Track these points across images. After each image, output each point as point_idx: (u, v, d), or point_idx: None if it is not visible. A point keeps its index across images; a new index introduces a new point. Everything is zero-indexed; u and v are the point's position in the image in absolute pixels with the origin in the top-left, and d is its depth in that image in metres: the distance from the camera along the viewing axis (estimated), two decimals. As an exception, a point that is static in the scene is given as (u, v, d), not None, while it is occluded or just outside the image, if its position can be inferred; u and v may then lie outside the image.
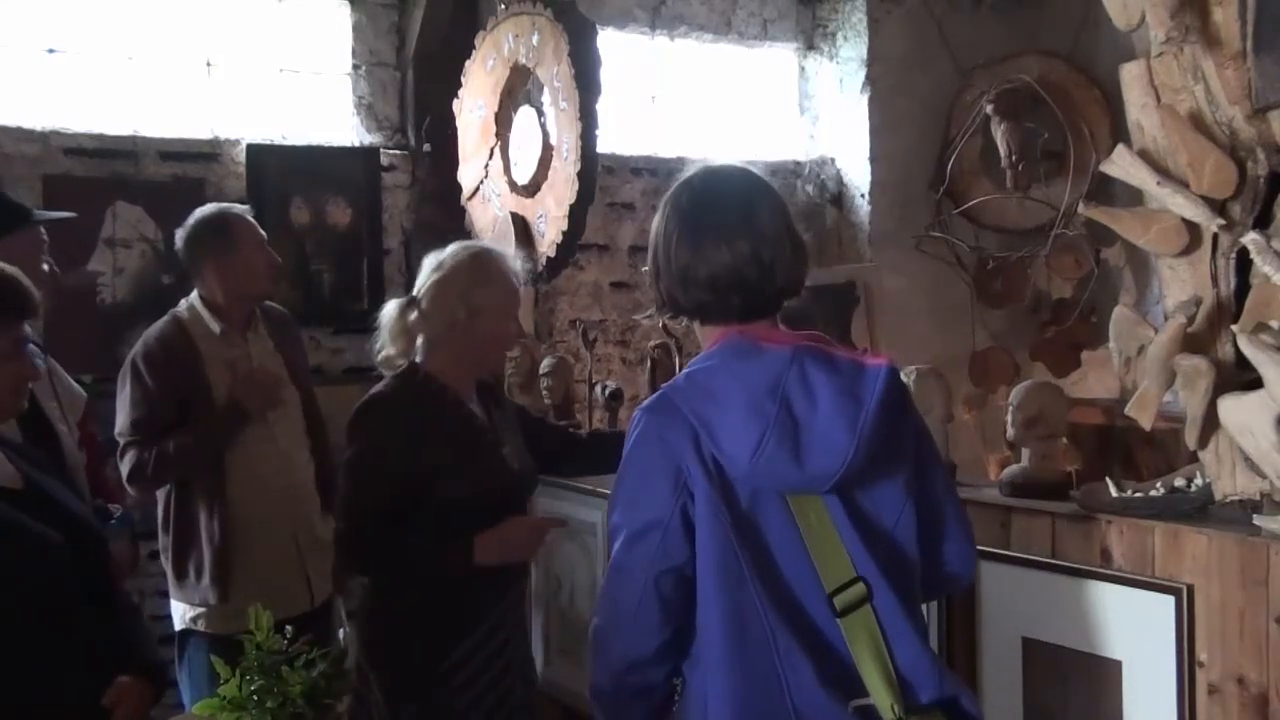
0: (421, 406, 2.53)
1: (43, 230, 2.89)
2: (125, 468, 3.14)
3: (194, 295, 3.32)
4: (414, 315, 2.57)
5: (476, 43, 4.28)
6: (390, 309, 2.61)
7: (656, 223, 1.90)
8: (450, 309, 2.55)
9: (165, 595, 3.36)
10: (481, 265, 2.59)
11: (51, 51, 4.37)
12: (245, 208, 3.41)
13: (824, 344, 1.83)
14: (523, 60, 3.99)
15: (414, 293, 2.61)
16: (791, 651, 1.71)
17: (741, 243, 1.81)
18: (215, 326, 3.26)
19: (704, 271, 1.82)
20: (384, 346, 2.61)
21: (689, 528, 1.75)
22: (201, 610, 3.19)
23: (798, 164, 5.67)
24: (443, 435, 2.51)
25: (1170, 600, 2.15)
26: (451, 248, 2.63)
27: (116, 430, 3.17)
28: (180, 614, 3.25)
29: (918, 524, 1.81)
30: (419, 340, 2.59)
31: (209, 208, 3.37)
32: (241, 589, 3.11)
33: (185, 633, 3.24)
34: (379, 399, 2.55)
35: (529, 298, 4.72)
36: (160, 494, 3.24)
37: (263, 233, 3.37)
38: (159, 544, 3.27)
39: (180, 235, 3.30)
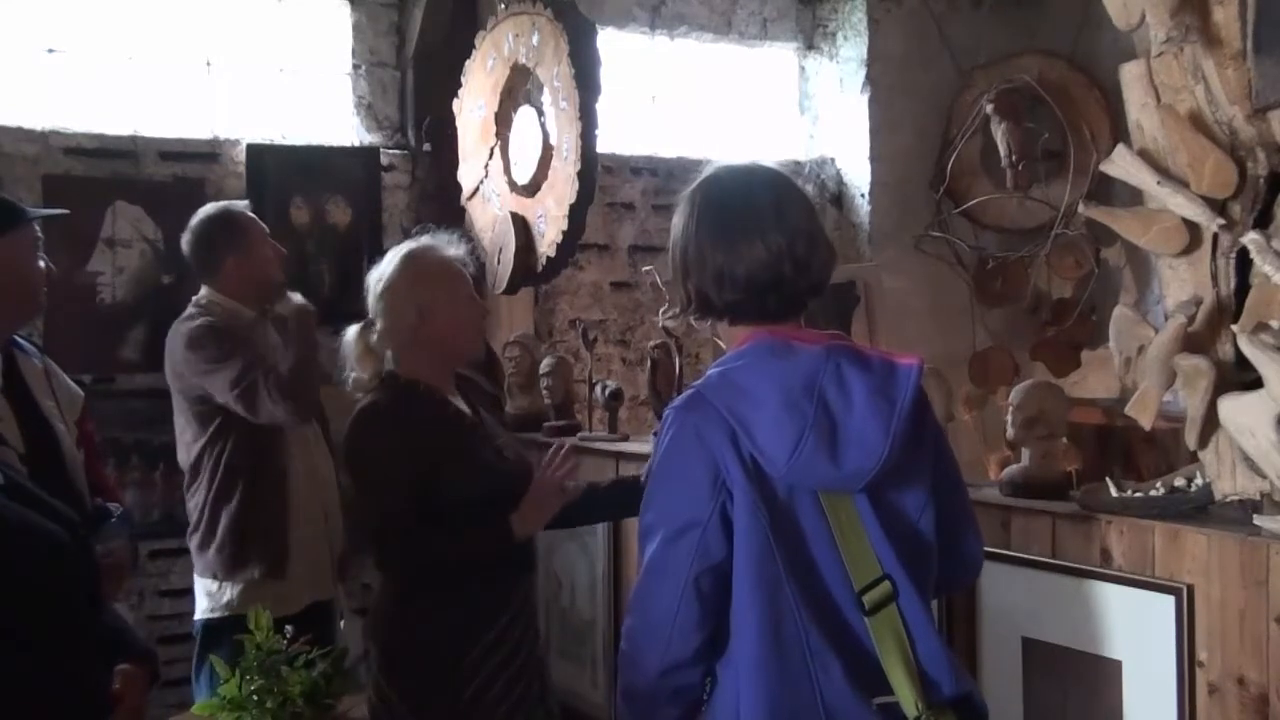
0: (411, 410, 2.53)
1: (37, 227, 2.89)
2: (269, 394, 3.13)
3: (206, 292, 3.38)
4: (374, 335, 2.59)
5: (476, 43, 4.28)
6: (350, 335, 2.63)
7: (681, 223, 1.84)
8: (403, 315, 2.56)
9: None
10: (415, 264, 2.61)
11: (51, 51, 4.37)
12: (244, 203, 3.52)
13: (852, 343, 1.82)
14: (523, 60, 3.99)
15: (369, 315, 2.61)
16: (823, 650, 1.70)
17: (777, 238, 1.78)
18: (245, 314, 3.36)
19: (741, 270, 1.78)
20: (351, 371, 2.62)
21: (727, 526, 1.72)
22: (249, 593, 3.21)
23: (798, 164, 5.66)
24: (438, 434, 2.52)
25: (1170, 600, 2.16)
26: (386, 257, 2.65)
27: (230, 383, 3.16)
28: (221, 600, 3.26)
29: (937, 522, 1.81)
30: (387, 354, 2.61)
31: (211, 207, 3.46)
32: (294, 567, 3.24)
33: (219, 622, 3.23)
34: (373, 407, 2.55)
35: (529, 297, 4.72)
36: (209, 476, 3.26)
37: (264, 224, 3.49)
38: (210, 525, 3.28)
39: (190, 237, 3.39)
